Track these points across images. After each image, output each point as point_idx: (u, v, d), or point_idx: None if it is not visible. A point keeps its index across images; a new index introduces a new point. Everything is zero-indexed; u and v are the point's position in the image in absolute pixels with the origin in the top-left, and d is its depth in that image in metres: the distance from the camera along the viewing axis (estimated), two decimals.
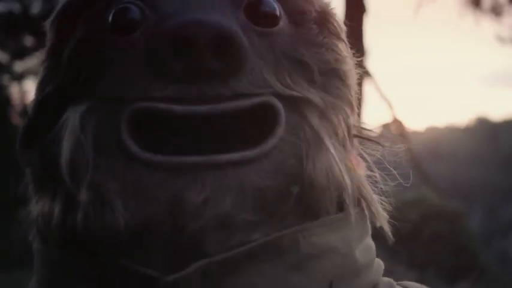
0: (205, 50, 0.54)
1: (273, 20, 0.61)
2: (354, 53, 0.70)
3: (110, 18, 0.60)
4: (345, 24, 0.71)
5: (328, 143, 0.59)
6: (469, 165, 30.34)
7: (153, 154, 0.55)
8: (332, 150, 0.59)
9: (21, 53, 10.16)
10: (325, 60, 0.63)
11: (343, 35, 0.68)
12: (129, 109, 0.57)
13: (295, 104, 0.59)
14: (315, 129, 0.59)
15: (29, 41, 10.17)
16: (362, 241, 0.65)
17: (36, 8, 10.22)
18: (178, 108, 0.55)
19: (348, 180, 0.61)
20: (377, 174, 0.69)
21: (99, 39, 0.60)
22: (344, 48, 0.67)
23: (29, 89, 10.59)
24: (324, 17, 0.67)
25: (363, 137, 0.68)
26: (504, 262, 16.95)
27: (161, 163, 0.55)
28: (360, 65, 0.73)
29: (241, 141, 0.56)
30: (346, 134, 0.62)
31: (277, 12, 0.62)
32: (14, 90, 10.37)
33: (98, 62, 0.60)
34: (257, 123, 0.58)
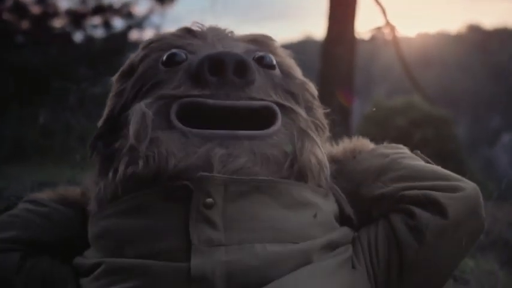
0: (229, 69, 0.93)
1: (272, 67, 1.04)
2: None
3: (164, 58, 1.01)
4: None
5: (313, 134, 0.96)
6: (458, 72, 30.35)
7: (191, 129, 0.90)
8: (316, 139, 0.95)
9: None
10: (305, 96, 1.05)
11: (317, 101, 1.09)
12: (177, 103, 0.93)
13: (288, 112, 0.97)
14: (302, 128, 0.95)
15: None
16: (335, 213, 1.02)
17: None
18: (210, 101, 0.92)
19: (325, 161, 0.97)
20: None
21: (156, 69, 1.01)
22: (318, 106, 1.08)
23: None
24: (304, 87, 1.07)
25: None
26: (489, 170, 17.23)
27: (197, 133, 0.90)
28: None
29: (252, 126, 0.92)
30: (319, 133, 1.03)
31: (274, 63, 1.05)
32: None
33: (155, 80, 0.99)
34: (262, 118, 0.94)
